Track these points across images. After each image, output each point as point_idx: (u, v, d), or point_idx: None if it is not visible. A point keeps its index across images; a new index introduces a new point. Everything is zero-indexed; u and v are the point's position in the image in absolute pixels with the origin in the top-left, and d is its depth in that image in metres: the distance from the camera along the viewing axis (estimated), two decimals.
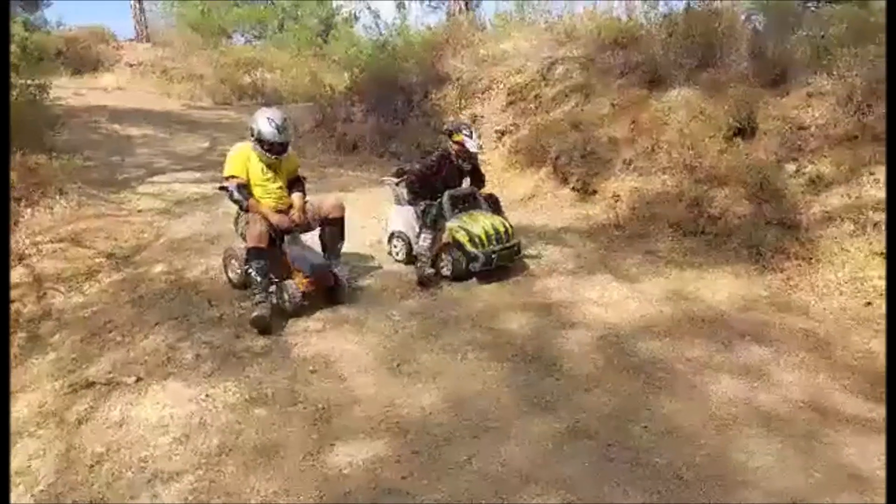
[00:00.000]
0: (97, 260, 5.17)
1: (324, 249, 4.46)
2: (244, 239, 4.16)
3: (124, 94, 14.18)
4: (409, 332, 4.01)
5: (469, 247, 4.60)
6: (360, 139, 9.36)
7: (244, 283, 4.32)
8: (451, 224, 4.71)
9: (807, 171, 5.43)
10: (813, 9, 8.08)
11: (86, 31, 16.55)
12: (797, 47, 6.43)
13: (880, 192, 4.98)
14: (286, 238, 4.30)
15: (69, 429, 3.17)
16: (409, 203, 5.03)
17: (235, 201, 4.11)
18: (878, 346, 3.84)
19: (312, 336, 3.97)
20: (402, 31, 10.83)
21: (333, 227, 4.41)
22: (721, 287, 4.62)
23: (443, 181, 4.88)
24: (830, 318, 4.17)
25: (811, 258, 4.72)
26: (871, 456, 2.85)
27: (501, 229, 4.71)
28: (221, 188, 4.17)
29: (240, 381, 3.48)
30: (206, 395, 3.36)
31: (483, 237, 4.60)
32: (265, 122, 4.03)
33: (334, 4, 20.87)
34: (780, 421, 3.12)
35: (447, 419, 3.13)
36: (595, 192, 6.45)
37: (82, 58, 15.60)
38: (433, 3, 16.26)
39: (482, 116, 8.26)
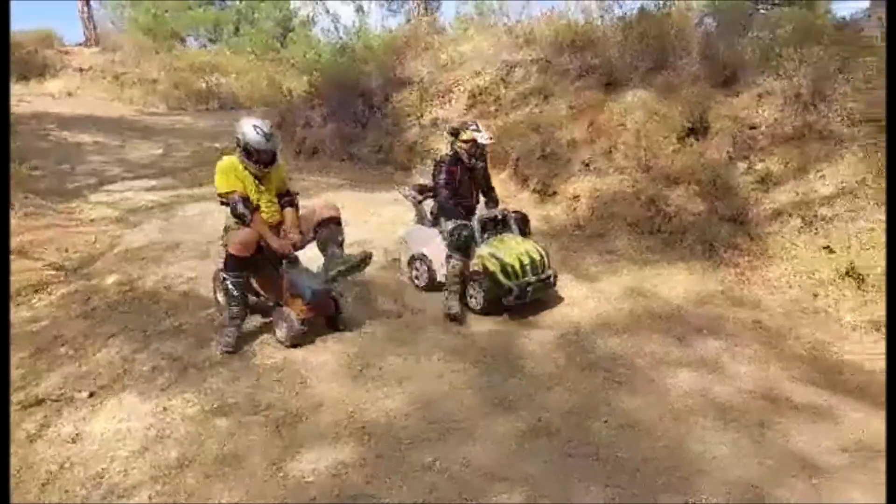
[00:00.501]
0: (46, 272, 4.99)
1: (323, 251, 4.04)
2: (224, 253, 3.87)
3: (73, 100, 13.75)
4: (374, 336, 4.00)
5: (502, 278, 4.12)
6: (320, 144, 9.29)
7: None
8: (482, 251, 4.23)
9: (757, 168, 5.62)
10: (762, 11, 8.37)
11: (31, 36, 15.94)
12: (747, 49, 6.64)
13: (826, 189, 5.19)
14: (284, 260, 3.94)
15: (19, 446, 3.05)
16: (433, 223, 4.59)
17: (239, 216, 3.73)
18: (826, 336, 4.00)
19: (274, 343, 3.91)
20: (362, 33, 10.79)
21: (329, 227, 4.01)
22: (677, 283, 4.74)
23: (457, 190, 4.47)
24: (781, 311, 4.32)
25: (762, 253, 4.89)
26: (820, 442, 2.96)
27: (536, 258, 4.24)
28: (224, 203, 3.81)
29: (200, 392, 3.40)
30: (164, 408, 3.28)
31: (517, 267, 4.14)
32: (251, 130, 3.72)
33: (291, 6, 20.67)
34: (734, 411, 3.21)
35: (412, 422, 3.13)
36: (555, 193, 6.54)
37: (28, 63, 15.03)
38: (393, 7, 16.26)
39: (443, 120, 8.28)
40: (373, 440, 2.99)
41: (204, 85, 15.28)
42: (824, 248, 4.70)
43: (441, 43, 9.76)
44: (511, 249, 4.21)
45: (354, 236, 5.05)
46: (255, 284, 4.03)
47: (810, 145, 5.52)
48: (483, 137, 4.41)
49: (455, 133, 4.49)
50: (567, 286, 4.76)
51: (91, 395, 3.39)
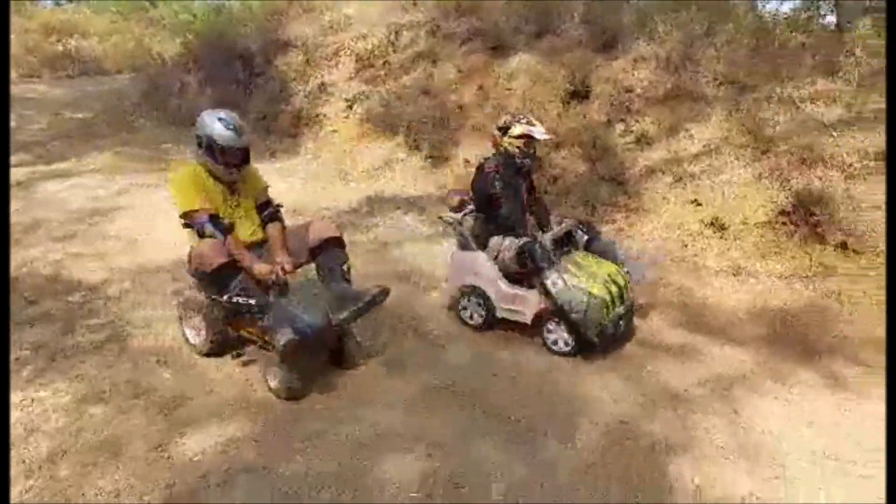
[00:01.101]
0: None
1: (326, 285, 3.18)
2: (198, 279, 3.08)
3: None
4: None
5: (595, 314, 3.27)
6: (199, 111, 8.69)
7: (214, 348, 3.27)
8: (559, 280, 3.29)
9: (633, 129, 5.94)
10: None
11: None
12: (625, 14, 6.93)
13: (694, 147, 5.59)
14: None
15: None
16: (479, 244, 3.66)
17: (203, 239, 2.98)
18: (693, 282, 4.34)
19: (157, 324, 3.69)
20: None
21: (329, 251, 3.17)
22: None
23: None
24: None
25: (638, 209, 5.21)
26: (687, 378, 3.25)
27: (621, 282, 3.43)
28: (187, 226, 3.06)
29: (71, 381, 3.15)
30: (32, 400, 3.02)
31: (608, 299, 3.31)
32: (217, 124, 3.02)
33: None
34: (612, 358, 3.43)
35: (305, 393, 3.08)
36: (447, 158, 6.58)
37: None
38: None
39: (331, 84, 8.04)
40: (263, 415, 2.91)
41: (61, 49, 13.81)
42: (692, 201, 5.08)
43: (324, 4, 9.40)
44: (594, 276, 3.35)
45: None
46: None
47: (680, 106, 5.90)
48: (541, 132, 3.59)
49: (504, 129, 3.61)
50: None
51: None
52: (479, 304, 3.64)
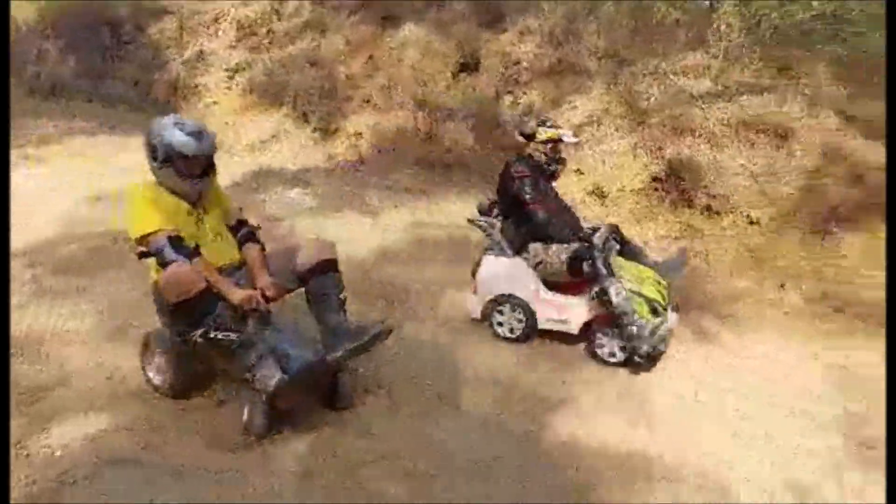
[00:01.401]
0: None
1: (319, 317, 2.74)
2: (169, 312, 2.56)
3: None
4: (132, 291, 3.59)
5: (652, 320, 3.08)
6: (60, 81, 7.94)
7: (182, 388, 2.77)
8: (623, 291, 3.08)
9: (521, 101, 6.06)
10: None
11: None
12: None
13: (577, 118, 5.78)
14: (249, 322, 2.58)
15: None
16: (515, 251, 3.39)
17: (169, 265, 2.42)
18: None
19: (12, 313, 3.33)
20: None
21: (324, 277, 2.72)
22: (454, 212, 5.00)
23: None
24: None
25: None
26: (565, 336, 3.39)
27: (663, 286, 3.29)
28: (143, 255, 2.53)
29: None
30: None
31: (661, 301, 3.18)
32: (174, 129, 2.53)
33: None
34: None
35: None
36: (337, 130, 6.42)
37: None
38: None
39: (210, 52, 7.56)
40: (133, 405, 2.72)
41: None
42: (575, 170, 5.28)
43: None
44: (642, 281, 3.22)
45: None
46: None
47: (564, 79, 6.08)
48: (569, 136, 3.47)
49: (530, 136, 3.38)
50: (351, 223, 4.77)
51: None
52: (519, 315, 3.33)
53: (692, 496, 2.40)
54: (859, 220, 4.30)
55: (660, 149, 5.21)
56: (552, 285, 3.30)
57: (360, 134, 6.20)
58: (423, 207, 5.12)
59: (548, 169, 3.42)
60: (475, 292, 3.47)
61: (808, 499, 2.42)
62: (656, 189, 4.92)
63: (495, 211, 3.51)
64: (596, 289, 3.06)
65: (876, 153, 4.91)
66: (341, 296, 2.73)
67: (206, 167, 2.64)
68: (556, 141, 3.35)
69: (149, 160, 2.61)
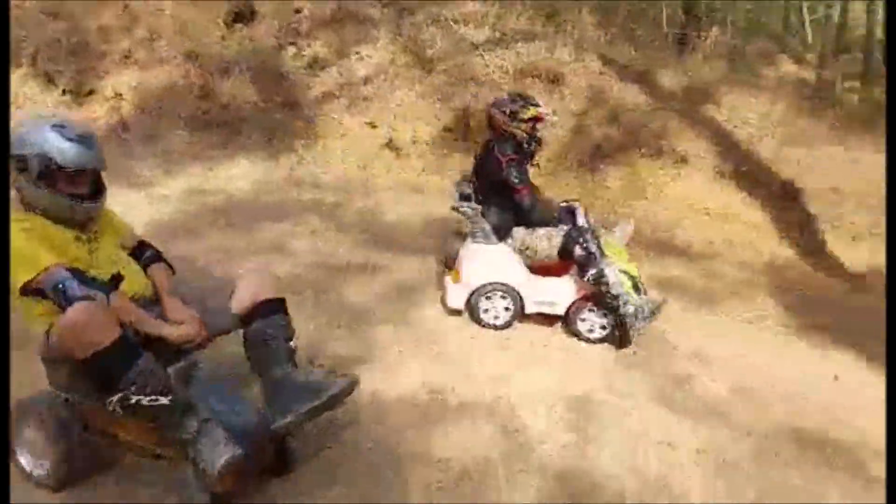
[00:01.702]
0: None
1: (261, 369, 2.12)
2: (63, 371, 1.85)
3: None
4: None
5: (635, 297, 3.03)
6: None
7: (82, 472, 1.95)
8: (616, 271, 3.04)
9: (305, 53, 5.74)
10: None
11: None
12: None
13: (365, 69, 5.64)
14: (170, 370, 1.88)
15: None
16: (498, 237, 3.19)
17: (76, 303, 1.71)
18: (372, 203, 4.44)
19: None
20: None
21: (269, 319, 2.12)
22: (240, 176, 4.63)
23: None
24: (336, 186, 4.63)
25: (316, 135, 5.12)
26: (368, 291, 3.32)
27: (633, 261, 3.29)
28: (32, 290, 1.75)
29: None
30: None
31: (637, 276, 3.15)
32: (51, 135, 1.82)
33: None
34: (296, 284, 3.31)
35: None
36: (92, 91, 5.56)
37: None
38: None
39: None
40: None
41: None
42: (367, 123, 5.17)
43: None
44: (620, 256, 3.17)
45: None
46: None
47: (347, 29, 5.86)
48: (550, 115, 3.39)
49: (513, 114, 3.17)
50: (119, 196, 4.15)
51: None
52: (507, 302, 3.19)
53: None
54: (618, 157, 4.77)
55: (448, 98, 5.28)
56: (533, 269, 3.24)
57: (121, 95, 5.42)
58: (200, 173, 4.64)
59: (528, 149, 3.31)
60: (456, 282, 3.24)
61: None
62: (445, 139, 4.98)
63: (480, 196, 3.28)
64: (592, 271, 3.03)
65: (632, 95, 5.48)
66: (291, 343, 2.16)
67: (93, 180, 1.96)
68: (538, 119, 3.26)
69: (16, 177, 1.89)
